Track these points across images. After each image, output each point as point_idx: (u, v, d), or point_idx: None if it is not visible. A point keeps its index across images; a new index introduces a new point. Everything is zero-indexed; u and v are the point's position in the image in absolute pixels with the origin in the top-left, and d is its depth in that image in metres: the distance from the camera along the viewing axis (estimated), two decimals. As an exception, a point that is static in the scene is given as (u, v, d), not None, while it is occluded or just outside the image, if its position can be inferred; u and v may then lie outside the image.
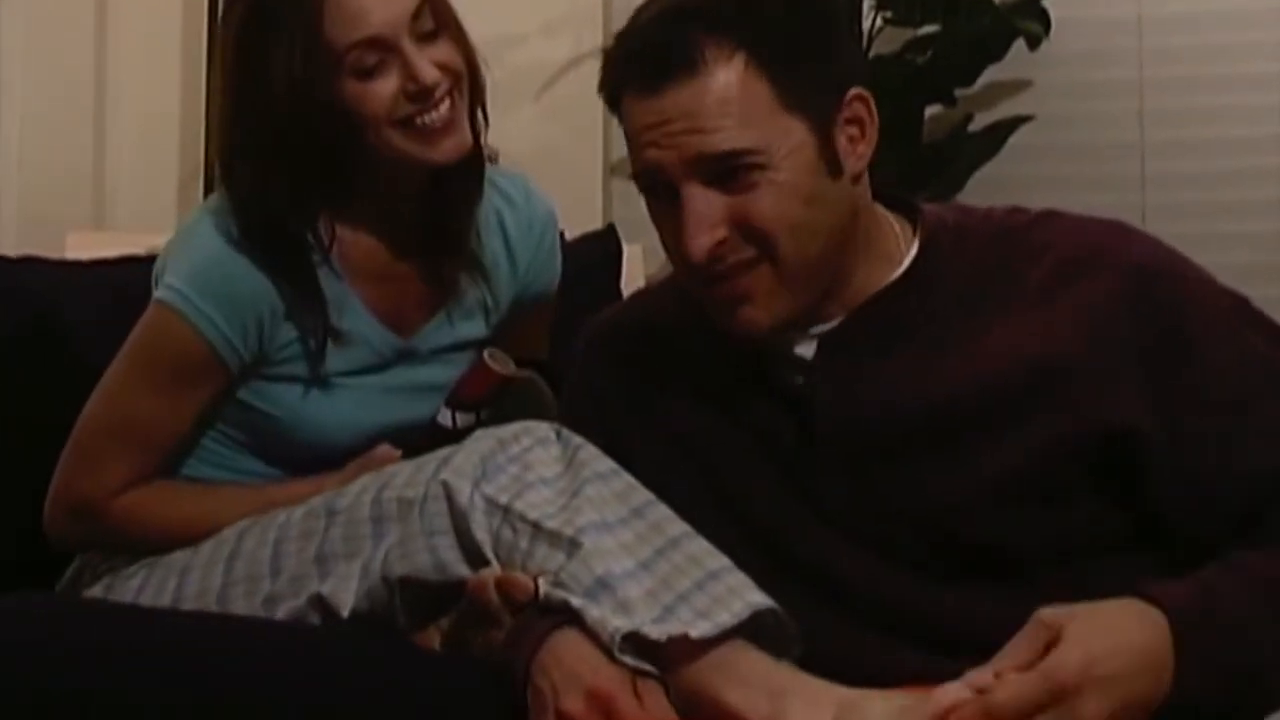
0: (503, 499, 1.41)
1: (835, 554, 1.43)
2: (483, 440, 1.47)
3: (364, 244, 1.76)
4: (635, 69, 1.41)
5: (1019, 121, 2.65)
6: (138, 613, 1.56)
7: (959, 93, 2.68)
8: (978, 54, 2.57)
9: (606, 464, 1.44)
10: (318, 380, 1.75)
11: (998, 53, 2.59)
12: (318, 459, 1.76)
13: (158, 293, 1.71)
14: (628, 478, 1.43)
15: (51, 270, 2.16)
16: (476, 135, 1.74)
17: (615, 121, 2.86)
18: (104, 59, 2.84)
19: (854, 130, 1.44)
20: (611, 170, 2.89)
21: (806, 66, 1.41)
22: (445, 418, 1.77)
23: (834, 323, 1.47)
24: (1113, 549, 1.40)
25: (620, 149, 2.85)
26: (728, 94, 1.37)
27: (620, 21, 2.80)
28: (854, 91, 1.43)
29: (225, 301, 1.67)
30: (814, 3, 1.45)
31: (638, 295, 1.70)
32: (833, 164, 1.42)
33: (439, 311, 1.81)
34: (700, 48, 1.38)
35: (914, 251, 1.48)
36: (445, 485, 1.42)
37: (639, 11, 1.45)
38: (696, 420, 1.52)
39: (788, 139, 1.39)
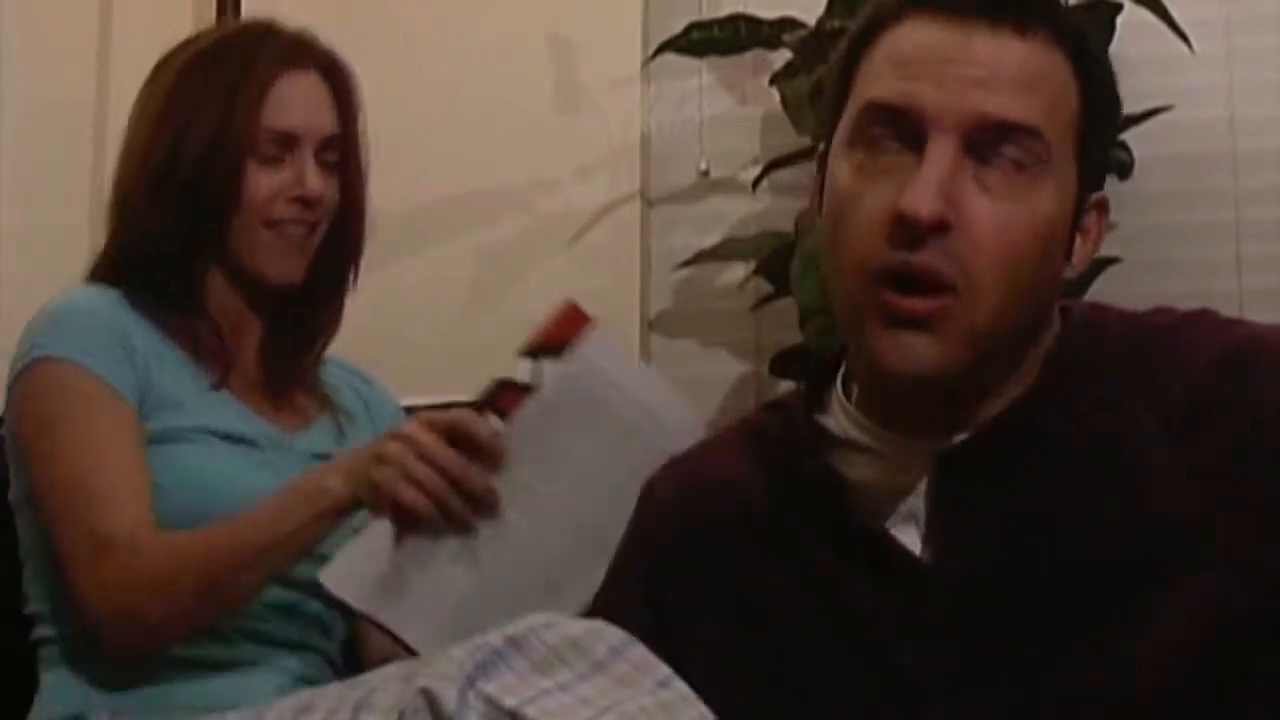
0: (509, 701, 1.15)
1: None
2: (479, 638, 1.21)
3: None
4: None
5: (1105, 264, 2.40)
6: None
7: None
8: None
9: (657, 672, 1.19)
10: (203, 432, 1.68)
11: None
12: None
13: (14, 368, 1.67)
14: (680, 687, 1.17)
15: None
16: (341, 288, 1.83)
17: (653, 273, 2.67)
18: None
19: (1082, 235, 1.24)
20: (650, 325, 2.67)
21: (1102, 129, 1.25)
22: (524, 371, 1.51)
23: (956, 439, 1.22)
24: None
25: (660, 302, 2.64)
26: (1052, 76, 1.19)
27: (659, 166, 2.68)
28: (1101, 196, 1.24)
29: (86, 334, 1.67)
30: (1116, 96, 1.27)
31: (701, 448, 1.42)
32: (1070, 239, 1.22)
33: (310, 418, 1.79)
34: (1044, 22, 1.19)
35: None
36: (426, 693, 1.16)
37: None
38: (770, 601, 1.26)
39: (1064, 168, 1.19)
